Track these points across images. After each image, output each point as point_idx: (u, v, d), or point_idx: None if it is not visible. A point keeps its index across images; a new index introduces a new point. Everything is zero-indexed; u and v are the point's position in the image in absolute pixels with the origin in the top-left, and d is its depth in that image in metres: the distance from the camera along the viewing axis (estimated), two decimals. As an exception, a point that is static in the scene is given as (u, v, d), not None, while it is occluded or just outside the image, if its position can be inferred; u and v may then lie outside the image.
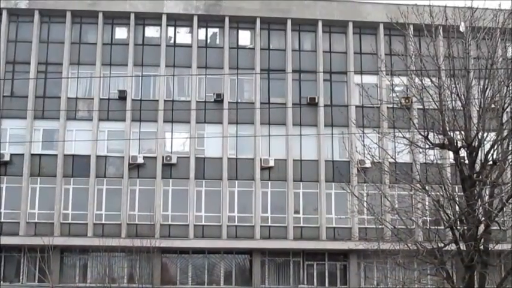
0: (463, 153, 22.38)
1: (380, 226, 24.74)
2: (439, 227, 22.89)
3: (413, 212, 23.25)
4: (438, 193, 21.90)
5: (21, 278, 42.92)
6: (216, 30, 47.07)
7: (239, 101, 45.88)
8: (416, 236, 23.78)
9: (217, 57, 46.22)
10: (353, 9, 47.17)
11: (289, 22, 46.56)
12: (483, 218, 21.51)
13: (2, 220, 42.82)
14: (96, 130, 44.37)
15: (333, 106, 45.51)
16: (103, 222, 43.55)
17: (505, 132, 22.17)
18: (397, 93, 27.04)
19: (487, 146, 22.23)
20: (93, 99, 44.99)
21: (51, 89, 45.07)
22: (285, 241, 43.92)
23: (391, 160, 24.14)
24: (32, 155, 43.97)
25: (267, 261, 44.34)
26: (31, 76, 44.35)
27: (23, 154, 43.68)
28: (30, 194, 43.58)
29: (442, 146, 22.76)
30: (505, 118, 22.45)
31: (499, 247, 23.15)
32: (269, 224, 44.29)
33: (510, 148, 22.23)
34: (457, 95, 22.19)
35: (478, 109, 22.14)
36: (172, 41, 46.62)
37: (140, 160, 43.99)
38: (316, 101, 45.48)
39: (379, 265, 40.51)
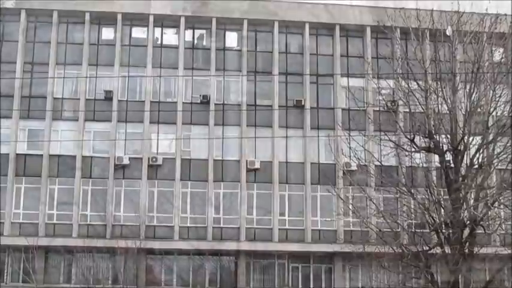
0: (448, 156, 22.47)
1: (365, 229, 24.85)
2: (424, 230, 22.99)
3: (398, 215, 23.31)
4: (424, 196, 21.98)
5: (5, 278, 42.56)
6: (203, 31, 46.96)
7: (225, 102, 45.78)
8: (401, 239, 23.80)
9: (204, 58, 46.13)
10: (340, 12, 47.13)
11: (276, 24, 46.52)
12: (468, 222, 21.58)
13: (-14, 220, 42.63)
14: (81, 130, 44.15)
15: (319, 108, 45.51)
16: (88, 222, 43.34)
17: (491, 136, 22.27)
18: (384, 96, 27.16)
19: (473, 150, 22.32)
20: (79, 99, 44.76)
21: (37, 89, 44.81)
22: (270, 243, 43.84)
23: (377, 163, 24.16)
24: (17, 154, 43.70)
25: (252, 263, 44.24)
26: (17, 76, 43.97)
27: (8, 154, 43.38)
28: (15, 194, 43.32)
29: (428, 150, 22.86)
30: (490, 122, 22.55)
31: (484, 251, 23.24)
32: (254, 226, 44.20)
33: (495, 152, 22.32)
34: (443, 98, 22.29)
35: (464, 113, 22.24)
36: (159, 42, 46.48)
37: (126, 161, 43.85)
38: (303, 103, 45.44)
39: (364, 268, 40.61)
